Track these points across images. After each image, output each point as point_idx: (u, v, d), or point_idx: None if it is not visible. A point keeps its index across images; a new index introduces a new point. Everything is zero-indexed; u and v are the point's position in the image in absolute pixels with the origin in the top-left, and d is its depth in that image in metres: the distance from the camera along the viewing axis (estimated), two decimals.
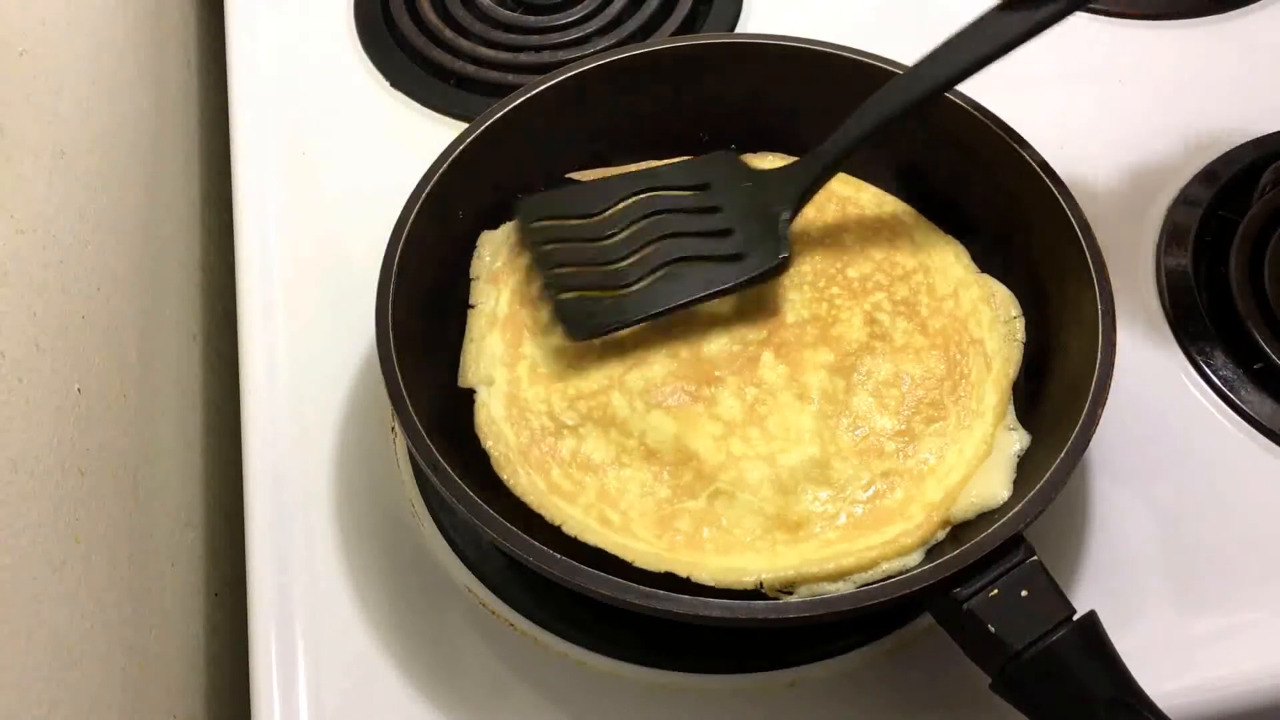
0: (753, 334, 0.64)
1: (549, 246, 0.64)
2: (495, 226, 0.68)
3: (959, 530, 0.56)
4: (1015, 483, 0.57)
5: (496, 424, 0.60)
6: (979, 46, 0.61)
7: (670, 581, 0.55)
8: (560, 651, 0.60)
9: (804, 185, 0.64)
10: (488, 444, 0.60)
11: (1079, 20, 0.86)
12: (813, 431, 0.60)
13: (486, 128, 0.66)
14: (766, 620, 0.51)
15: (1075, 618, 0.50)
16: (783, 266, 0.63)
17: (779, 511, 0.57)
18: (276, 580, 0.62)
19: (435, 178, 0.63)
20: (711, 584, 0.55)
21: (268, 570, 0.62)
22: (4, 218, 0.54)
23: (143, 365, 0.68)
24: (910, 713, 0.58)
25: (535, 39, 0.85)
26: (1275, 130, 0.78)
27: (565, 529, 0.57)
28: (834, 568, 0.55)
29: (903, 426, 0.61)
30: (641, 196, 0.66)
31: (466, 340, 0.63)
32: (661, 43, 0.74)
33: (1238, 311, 0.68)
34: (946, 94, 0.66)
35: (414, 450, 0.55)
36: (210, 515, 0.75)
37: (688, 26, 0.86)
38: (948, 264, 0.67)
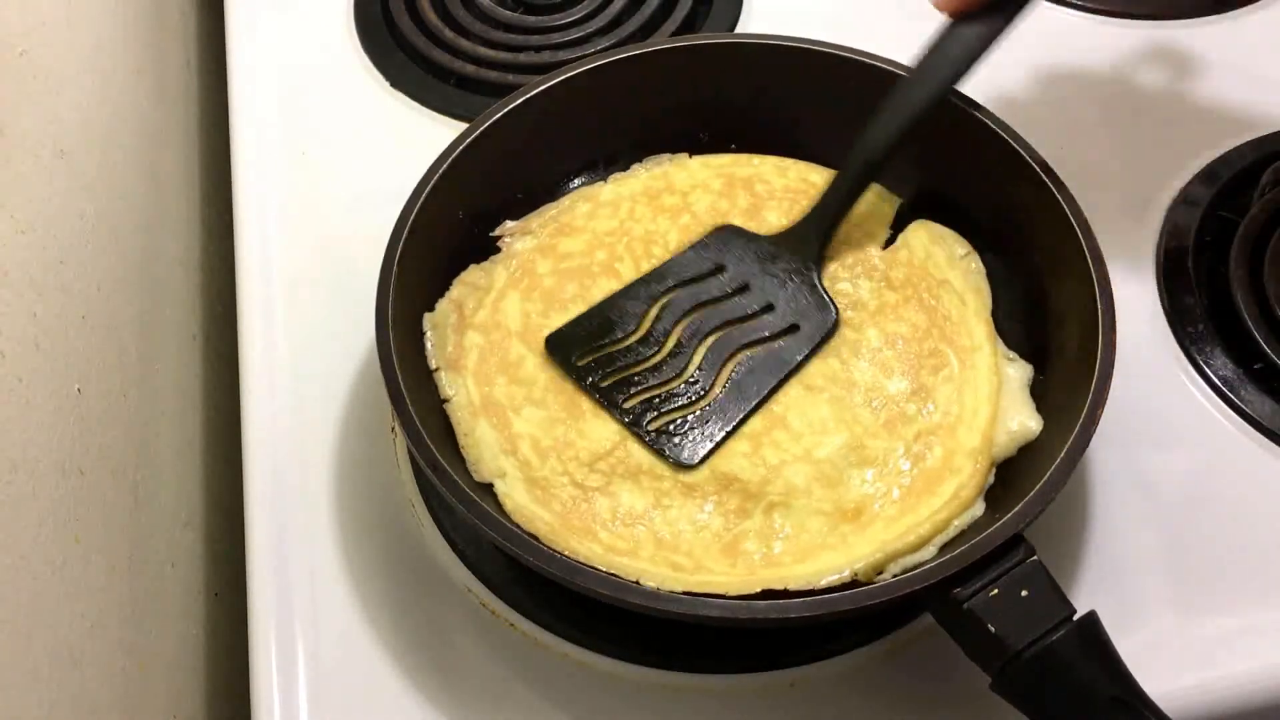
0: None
1: (605, 381, 0.62)
2: (493, 226, 0.68)
3: (962, 531, 0.56)
4: (1019, 453, 0.59)
5: (526, 509, 0.58)
6: (944, 66, 0.62)
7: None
8: (560, 652, 0.60)
9: (817, 241, 0.65)
10: (528, 529, 0.57)
11: (1079, 20, 0.86)
12: (834, 418, 0.60)
13: (486, 128, 0.65)
14: (767, 620, 0.51)
15: (1075, 618, 0.50)
16: (838, 324, 0.63)
17: (836, 505, 0.58)
18: (276, 580, 0.62)
19: (435, 178, 0.63)
20: (809, 589, 0.54)
21: (268, 570, 0.62)
22: (4, 218, 0.54)
23: (143, 365, 0.68)
24: (910, 713, 0.58)
25: (535, 39, 0.85)
26: (1275, 130, 0.78)
27: (643, 582, 0.54)
28: (914, 539, 0.56)
29: (913, 384, 0.61)
30: (668, 298, 0.64)
31: (460, 435, 0.60)
32: (661, 43, 0.74)
33: (1238, 311, 0.68)
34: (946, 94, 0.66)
35: (414, 450, 0.55)
36: (210, 515, 0.75)
37: (688, 26, 0.86)
38: (876, 210, 0.68)
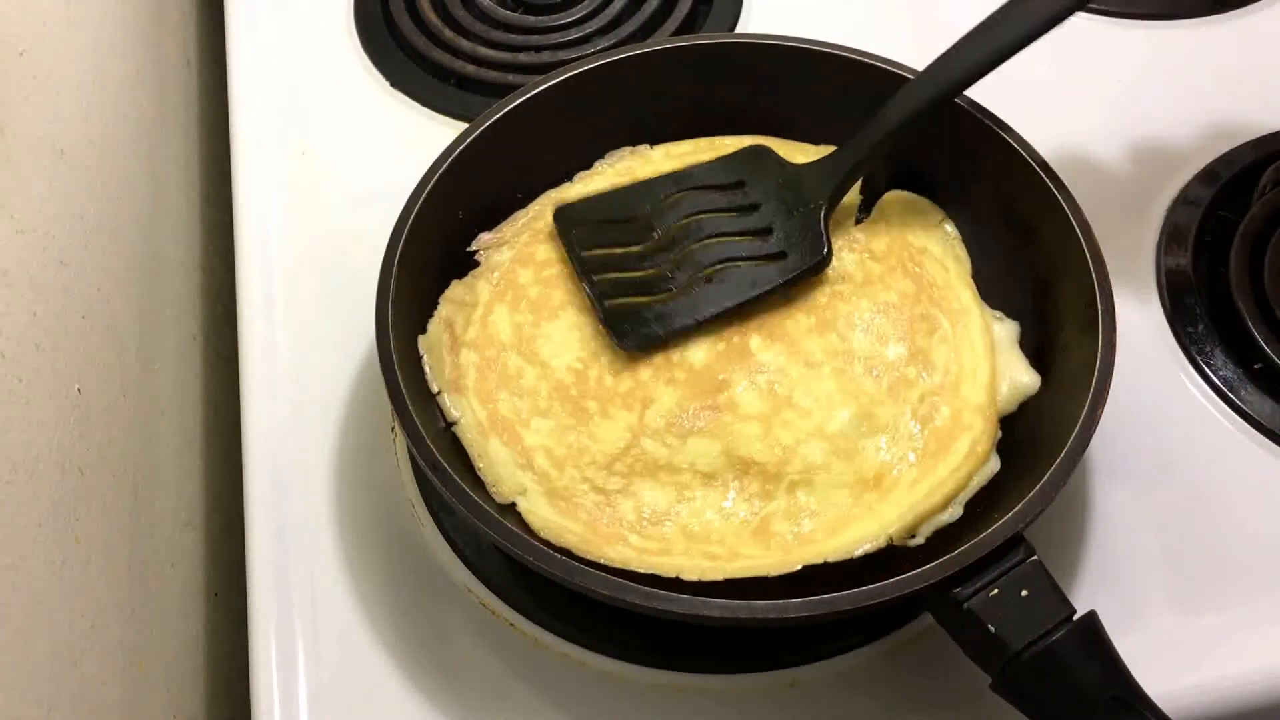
0: (726, 328, 0.64)
1: (590, 253, 0.64)
2: (493, 227, 0.68)
3: (962, 531, 0.56)
4: (1019, 453, 0.59)
5: (554, 524, 0.57)
6: (1003, 35, 0.61)
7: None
8: (560, 651, 0.60)
9: (839, 178, 0.65)
10: (558, 543, 0.56)
11: (1079, 20, 0.85)
12: (840, 390, 0.61)
13: (486, 128, 0.65)
14: (767, 620, 0.51)
15: (1075, 618, 0.50)
16: (825, 262, 0.64)
17: (856, 475, 0.58)
18: (276, 580, 0.62)
19: (435, 178, 0.63)
20: (847, 559, 0.55)
21: (268, 570, 0.62)
22: (4, 218, 0.54)
23: (143, 365, 0.68)
24: (910, 713, 0.59)
25: (535, 39, 0.85)
26: (1275, 130, 0.78)
27: (684, 577, 0.55)
28: (939, 498, 0.57)
29: (910, 349, 0.62)
30: (679, 197, 0.66)
31: (474, 458, 0.59)
32: (661, 43, 0.74)
33: (1238, 311, 0.68)
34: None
35: (414, 450, 0.55)
36: (210, 515, 0.75)
37: (688, 26, 0.86)
38: None
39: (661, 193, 0.66)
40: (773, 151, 0.67)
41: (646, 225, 0.65)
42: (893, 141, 0.64)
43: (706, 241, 0.64)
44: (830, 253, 0.64)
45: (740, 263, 0.64)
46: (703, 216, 0.65)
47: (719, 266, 0.64)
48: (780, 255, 0.64)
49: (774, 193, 0.66)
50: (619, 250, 0.64)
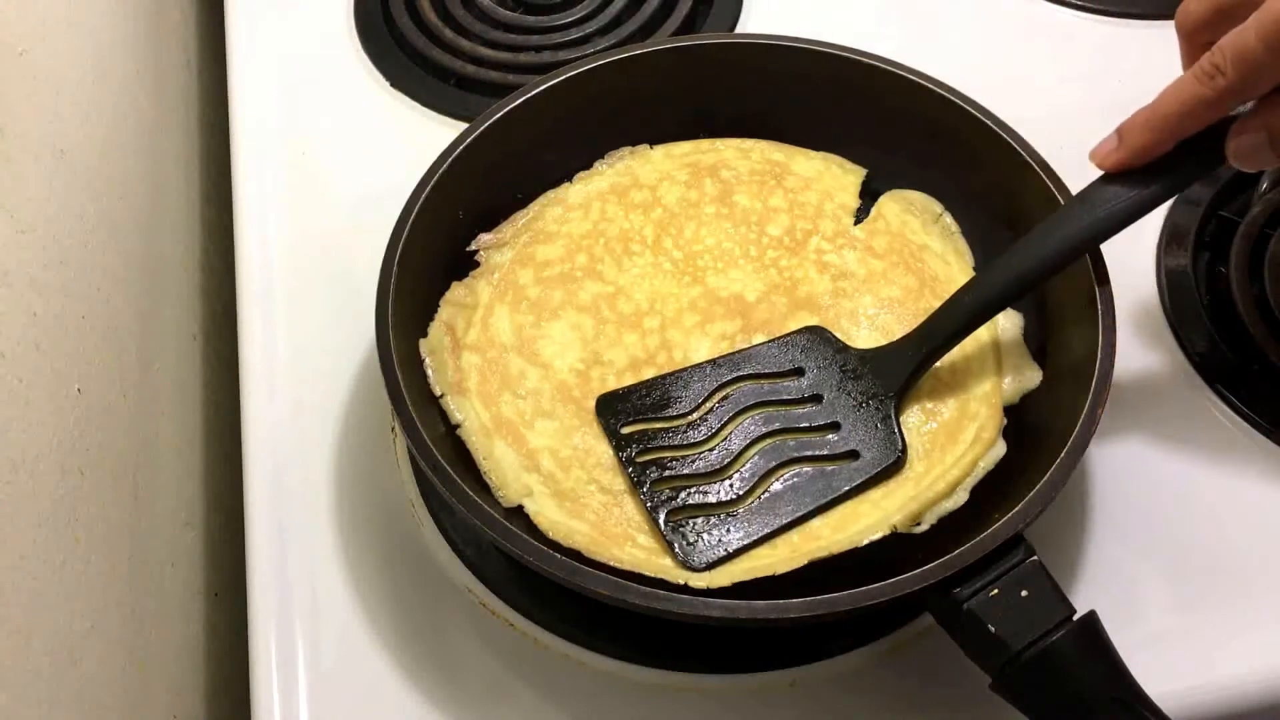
0: (728, 328, 0.64)
1: (645, 457, 0.59)
2: (492, 227, 0.68)
3: (965, 522, 0.56)
4: (1020, 450, 0.59)
5: (562, 525, 0.57)
6: (1088, 221, 0.57)
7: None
8: (560, 651, 0.60)
9: (911, 368, 0.60)
10: (567, 544, 0.56)
11: (1079, 20, 0.86)
12: None
13: (486, 128, 0.65)
14: (767, 620, 0.51)
15: (1075, 618, 0.50)
16: (901, 462, 0.58)
17: None
18: (276, 580, 0.62)
19: (435, 178, 0.63)
20: (852, 548, 0.55)
21: (268, 570, 0.62)
22: (4, 218, 0.54)
23: (143, 365, 0.68)
24: (910, 713, 0.58)
25: (535, 39, 0.85)
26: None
27: (692, 584, 0.54)
28: (944, 485, 0.57)
29: None
30: (734, 388, 0.61)
31: (479, 461, 0.59)
32: (662, 43, 0.74)
33: (1238, 311, 0.68)
34: (945, 94, 0.66)
35: (414, 450, 0.55)
36: (210, 515, 0.75)
37: (688, 26, 0.86)
38: (842, 183, 0.69)
39: (715, 382, 0.61)
40: (830, 333, 0.63)
41: (700, 419, 0.60)
42: (970, 330, 0.59)
43: (770, 440, 0.59)
44: (906, 450, 0.59)
45: (810, 464, 0.59)
46: (763, 410, 0.60)
47: (791, 469, 0.59)
48: (852, 454, 0.59)
49: (836, 382, 0.61)
50: (671, 452, 0.59)
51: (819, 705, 0.59)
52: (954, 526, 0.57)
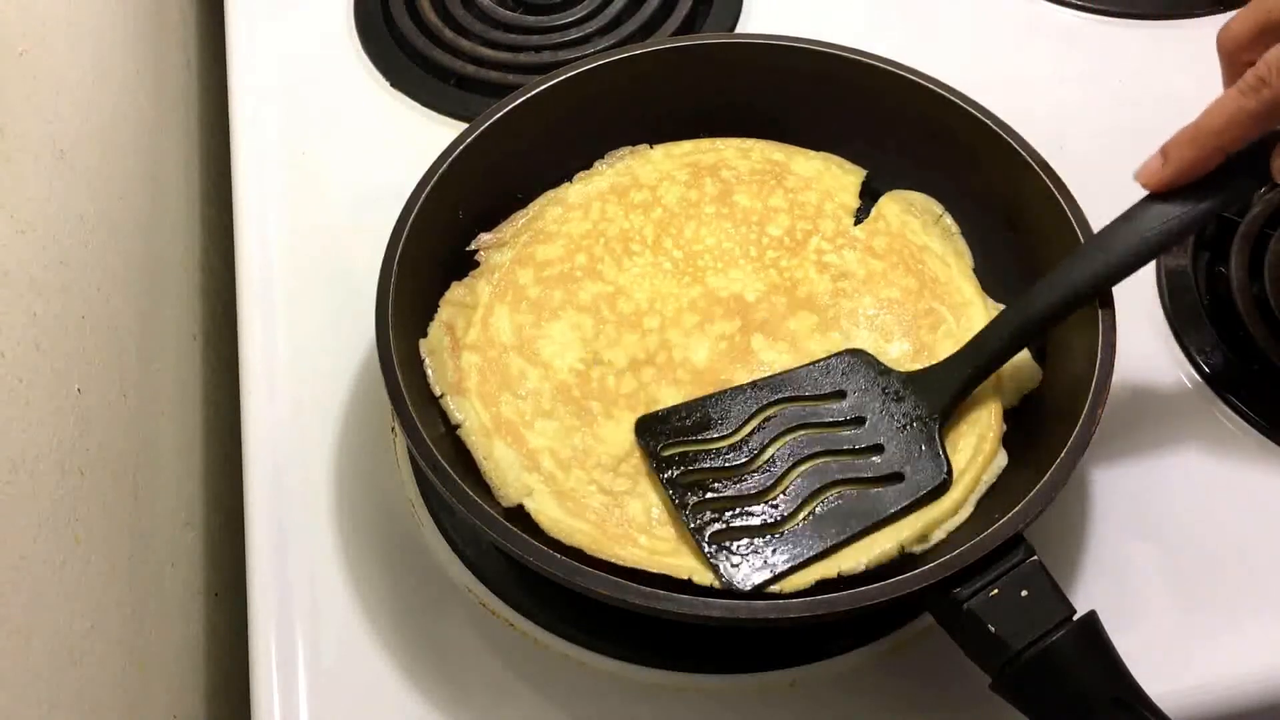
0: (728, 328, 0.64)
1: (687, 479, 0.58)
2: (492, 227, 0.68)
3: (958, 533, 0.56)
4: (1020, 450, 0.59)
5: (563, 523, 0.57)
6: (1135, 241, 0.57)
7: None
8: (560, 651, 0.60)
9: (955, 389, 0.59)
10: (569, 543, 0.56)
11: (1079, 20, 0.86)
12: None
13: (486, 128, 0.65)
14: (767, 620, 0.51)
15: (1075, 618, 0.50)
16: (947, 485, 0.57)
17: None
18: (276, 580, 0.62)
19: (435, 178, 0.63)
20: (866, 568, 0.55)
21: (268, 570, 0.62)
22: (4, 218, 0.54)
23: (143, 365, 0.68)
24: (910, 713, 0.58)
25: (535, 39, 0.85)
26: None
27: (696, 580, 0.54)
28: (949, 503, 0.57)
29: (914, 344, 0.63)
30: (774, 410, 0.60)
31: (479, 461, 0.59)
32: (662, 43, 0.74)
33: (1238, 311, 0.68)
34: (944, 94, 0.66)
35: (414, 450, 0.55)
36: (210, 515, 0.75)
37: (688, 26, 0.86)
38: (842, 183, 0.69)
39: (756, 404, 0.60)
40: (872, 356, 0.62)
41: (742, 441, 0.59)
42: (1015, 350, 0.59)
43: (812, 462, 0.58)
44: (952, 472, 0.58)
45: (854, 485, 0.58)
46: (805, 433, 0.59)
47: (835, 490, 0.58)
48: (896, 477, 0.58)
49: (879, 405, 0.60)
50: (714, 475, 0.58)
51: (819, 705, 0.59)
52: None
